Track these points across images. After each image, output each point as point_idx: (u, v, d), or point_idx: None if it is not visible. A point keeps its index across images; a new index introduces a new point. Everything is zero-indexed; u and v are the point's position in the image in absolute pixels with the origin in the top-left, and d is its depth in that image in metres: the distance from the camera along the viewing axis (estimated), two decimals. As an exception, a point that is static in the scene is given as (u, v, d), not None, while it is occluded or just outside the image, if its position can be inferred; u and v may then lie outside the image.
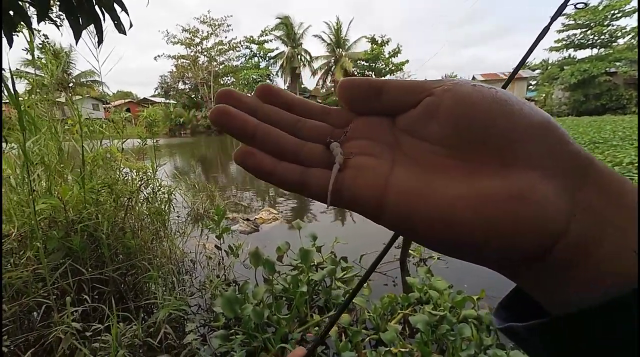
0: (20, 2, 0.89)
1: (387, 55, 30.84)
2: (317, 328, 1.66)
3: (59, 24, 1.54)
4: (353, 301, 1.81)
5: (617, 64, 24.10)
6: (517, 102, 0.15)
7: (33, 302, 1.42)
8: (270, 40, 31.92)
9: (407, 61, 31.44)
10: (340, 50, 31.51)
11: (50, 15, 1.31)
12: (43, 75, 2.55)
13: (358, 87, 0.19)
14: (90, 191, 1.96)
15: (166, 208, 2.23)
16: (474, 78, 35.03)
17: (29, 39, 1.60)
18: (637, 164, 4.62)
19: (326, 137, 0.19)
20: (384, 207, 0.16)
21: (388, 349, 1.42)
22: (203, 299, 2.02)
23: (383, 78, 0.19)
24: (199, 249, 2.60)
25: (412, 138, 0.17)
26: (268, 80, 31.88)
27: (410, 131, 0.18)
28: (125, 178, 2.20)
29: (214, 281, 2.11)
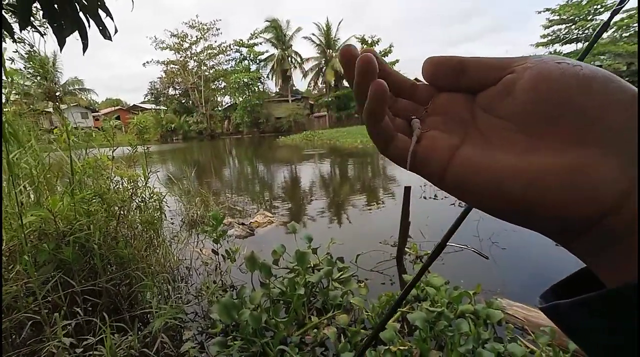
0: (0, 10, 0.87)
1: (377, 55, 30.89)
2: (315, 330, 1.65)
3: (42, 32, 1.51)
4: (351, 301, 1.80)
5: (602, 57, 24.64)
6: (605, 79, 0.15)
7: (23, 317, 1.38)
8: (260, 43, 31.89)
9: (397, 61, 31.67)
10: (331, 51, 31.60)
11: (33, 22, 1.28)
12: (28, 84, 2.50)
13: (441, 65, 0.20)
14: (80, 201, 1.93)
15: (158, 216, 2.20)
16: (463, 75, 35.55)
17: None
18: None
19: (411, 113, 0.22)
20: (445, 174, 0.19)
21: (387, 347, 1.42)
22: (200, 305, 2.00)
23: (467, 56, 0.20)
24: (194, 255, 2.57)
25: (488, 115, 0.19)
26: (259, 83, 31.83)
27: (487, 108, 0.19)
28: (117, 187, 2.16)
29: (210, 287, 2.09)
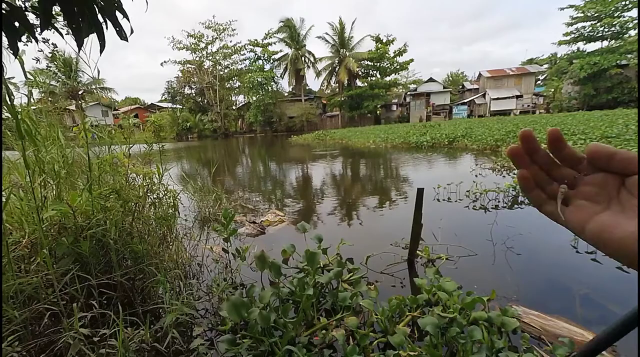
0: (24, 12, 0.90)
1: (392, 54, 30.66)
2: (324, 332, 1.64)
3: (63, 33, 1.57)
4: (360, 303, 1.78)
5: (629, 56, 23.49)
6: None
7: (42, 308, 1.44)
8: (274, 43, 32.10)
9: (412, 60, 31.20)
10: (344, 50, 31.47)
11: (55, 24, 1.32)
12: (53, 84, 2.59)
13: (597, 153, 0.28)
14: (98, 197, 1.99)
15: (172, 212, 2.24)
16: (480, 75, 34.59)
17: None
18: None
19: (569, 179, 0.31)
20: (584, 232, 0.28)
21: (397, 352, 1.40)
22: (210, 302, 2.03)
23: (621, 149, 0.27)
24: (205, 253, 2.61)
25: (630, 195, 0.26)
26: (273, 83, 32.05)
27: (630, 190, 0.26)
28: (133, 183, 2.22)
29: (220, 284, 2.11)
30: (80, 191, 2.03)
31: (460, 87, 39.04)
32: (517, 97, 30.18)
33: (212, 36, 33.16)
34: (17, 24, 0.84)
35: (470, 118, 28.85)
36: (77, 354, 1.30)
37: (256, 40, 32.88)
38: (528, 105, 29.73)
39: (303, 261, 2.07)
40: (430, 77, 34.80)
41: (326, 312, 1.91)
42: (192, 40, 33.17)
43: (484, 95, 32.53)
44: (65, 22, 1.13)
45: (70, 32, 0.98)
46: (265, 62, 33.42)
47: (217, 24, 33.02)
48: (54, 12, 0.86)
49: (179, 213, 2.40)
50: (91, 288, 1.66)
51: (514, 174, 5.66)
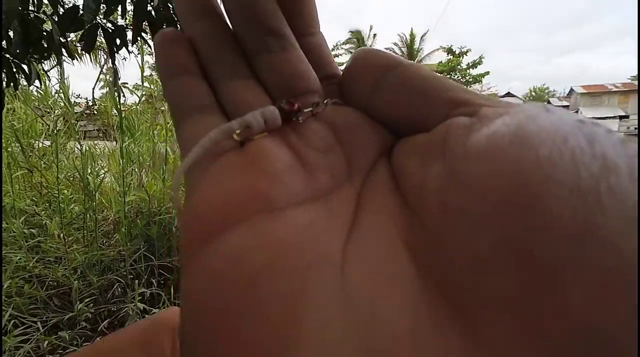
0: (125, 29, 1.08)
1: (464, 66, 28.78)
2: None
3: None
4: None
5: None
6: None
7: (114, 279, 1.67)
8: (341, 54, 32.93)
9: (488, 73, 28.82)
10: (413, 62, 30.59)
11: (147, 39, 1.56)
12: (153, 88, 3.05)
13: (364, 67, 0.15)
14: (170, 188, 2.26)
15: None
16: (572, 91, 30.19)
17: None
18: None
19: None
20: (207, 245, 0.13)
21: None
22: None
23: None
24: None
25: (383, 184, 0.13)
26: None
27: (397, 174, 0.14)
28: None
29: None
30: (157, 181, 2.33)
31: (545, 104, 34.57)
32: (621, 118, 25.46)
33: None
34: (118, 40, 1.00)
35: (555, 139, 25.24)
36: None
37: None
38: (635, 128, 24.77)
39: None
40: (508, 92, 31.63)
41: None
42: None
43: (576, 114, 28.28)
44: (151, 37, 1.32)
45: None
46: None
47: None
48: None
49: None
50: (153, 268, 1.88)
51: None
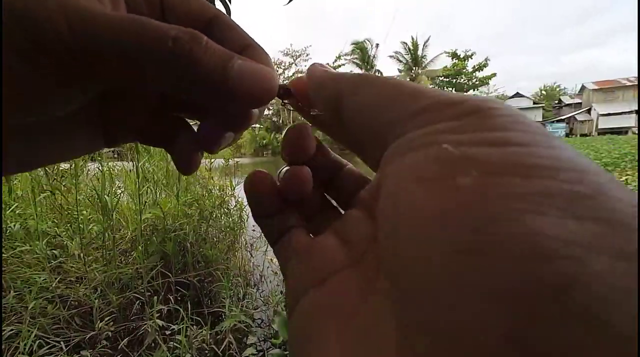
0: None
1: (470, 70, 28.67)
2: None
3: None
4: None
5: None
6: None
7: (132, 297, 1.69)
8: (344, 64, 33.32)
9: (494, 74, 28.61)
10: (417, 68, 30.72)
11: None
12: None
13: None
14: (183, 205, 2.30)
15: (240, 222, 2.44)
16: (583, 88, 29.52)
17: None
18: None
19: None
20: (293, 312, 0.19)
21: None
22: (266, 314, 2.10)
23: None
24: (266, 264, 2.74)
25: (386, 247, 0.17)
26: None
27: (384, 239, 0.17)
28: (210, 194, 2.51)
29: (276, 297, 2.18)
30: (170, 198, 2.38)
31: (557, 102, 33.88)
32: (637, 112, 24.64)
33: (289, 62, 36.33)
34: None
35: (569, 137, 24.63)
36: (152, 342, 1.48)
37: (328, 63, 34.70)
38: (655, 122, 23.92)
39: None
40: (517, 92, 31.21)
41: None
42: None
43: (588, 111, 27.56)
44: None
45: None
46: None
47: (294, 51, 36.13)
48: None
49: (246, 223, 2.60)
50: (170, 284, 1.90)
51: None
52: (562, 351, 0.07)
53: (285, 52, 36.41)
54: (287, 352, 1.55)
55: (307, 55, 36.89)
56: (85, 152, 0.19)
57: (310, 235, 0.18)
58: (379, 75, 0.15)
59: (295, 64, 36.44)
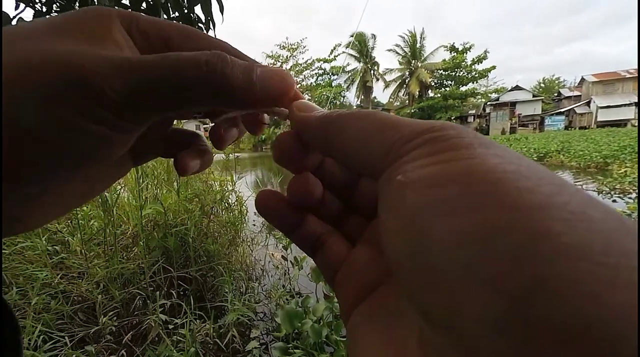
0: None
1: (469, 62, 28.48)
2: None
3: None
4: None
5: None
6: None
7: (135, 292, 1.70)
8: (337, 56, 33.04)
9: (494, 67, 28.43)
10: (416, 61, 30.49)
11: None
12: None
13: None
14: (184, 200, 2.30)
15: (240, 217, 2.44)
16: (583, 80, 29.39)
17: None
18: None
19: None
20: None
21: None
22: (268, 307, 2.12)
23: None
24: (267, 258, 2.75)
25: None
26: (341, 97, 32.93)
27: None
28: (210, 189, 2.50)
29: (278, 291, 2.19)
30: (171, 194, 2.37)
31: (556, 95, 33.78)
32: (637, 104, 24.60)
33: (287, 55, 35.99)
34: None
35: (569, 130, 24.62)
36: (156, 337, 1.49)
37: (325, 58, 34.43)
38: (654, 114, 23.89)
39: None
40: (517, 85, 31.06)
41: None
42: (270, 61, 36.54)
43: (588, 104, 27.48)
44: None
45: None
46: (334, 77, 34.64)
47: (290, 44, 35.76)
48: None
49: (246, 218, 2.60)
50: (172, 279, 1.91)
51: (629, 198, 4.57)
52: None
53: (282, 45, 36.05)
54: (289, 345, 1.57)
55: (303, 47, 36.58)
56: (119, 177, 0.21)
57: (346, 241, 0.19)
58: (366, 109, 0.17)
59: (293, 57, 36.15)
